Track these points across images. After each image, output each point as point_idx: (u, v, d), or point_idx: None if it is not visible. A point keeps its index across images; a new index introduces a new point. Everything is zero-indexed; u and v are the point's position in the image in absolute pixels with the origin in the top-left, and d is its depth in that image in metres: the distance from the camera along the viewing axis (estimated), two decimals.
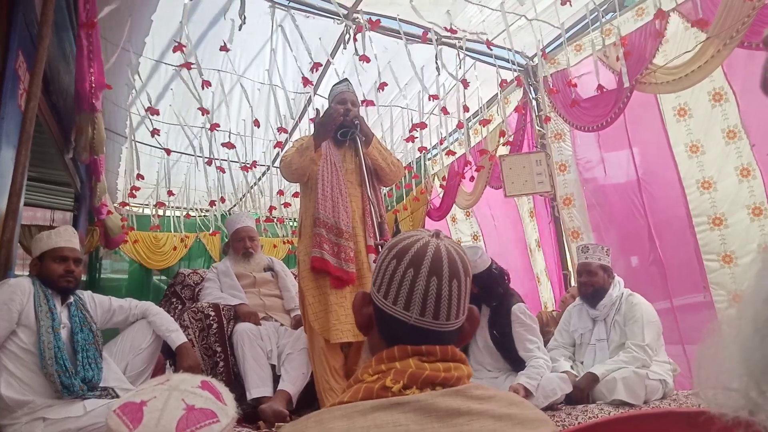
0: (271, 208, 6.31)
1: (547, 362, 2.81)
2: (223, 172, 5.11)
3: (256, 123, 4.36)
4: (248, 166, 5.11)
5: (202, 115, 3.94)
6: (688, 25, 3.47)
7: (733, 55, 3.21)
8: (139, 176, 4.39)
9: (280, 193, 5.77)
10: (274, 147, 5.11)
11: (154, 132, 4.05)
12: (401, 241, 0.90)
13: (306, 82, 3.83)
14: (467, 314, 0.91)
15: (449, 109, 4.48)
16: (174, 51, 3.46)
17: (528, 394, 2.59)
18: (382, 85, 4.07)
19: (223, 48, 3.45)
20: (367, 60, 3.70)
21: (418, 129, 4.60)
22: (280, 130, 4.36)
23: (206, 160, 4.68)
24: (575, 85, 4.22)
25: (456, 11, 3.96)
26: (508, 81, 4.70)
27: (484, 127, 5.05)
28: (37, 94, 2.32)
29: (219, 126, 4.21)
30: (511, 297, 2.97)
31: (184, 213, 7.00)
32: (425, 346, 0.85)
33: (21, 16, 2.41)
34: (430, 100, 4.38)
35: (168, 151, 4.77)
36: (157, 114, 3.98)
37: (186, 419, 0.91)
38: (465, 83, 4.22)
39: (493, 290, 2.94)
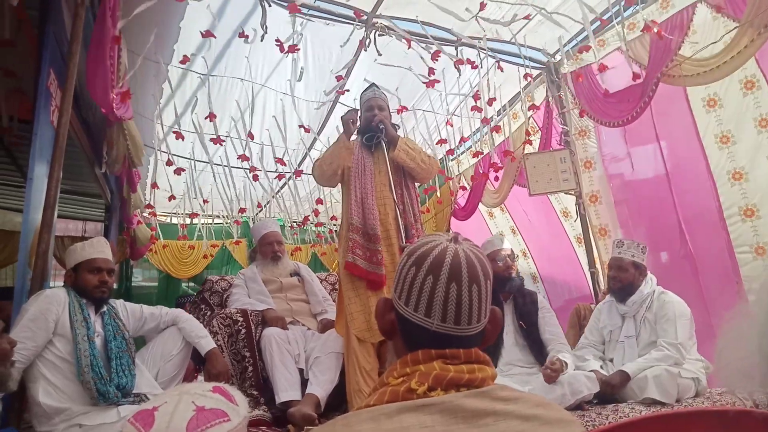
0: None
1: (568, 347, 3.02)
2: (256, 179, 5.17)
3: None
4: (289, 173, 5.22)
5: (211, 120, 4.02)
6: (717, 15, 3.39)
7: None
8: (154, 185, 4.55)
9: (319, 201, 5.96)
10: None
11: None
12: (419, 248, 0.90)
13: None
14: (489, 316, 0.91)
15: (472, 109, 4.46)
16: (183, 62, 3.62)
17: (563, 366, 2.70)
18: (402, 109, 4.14)
19: (242, 35, 3.48)
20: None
21: (440, 144, 4.82)
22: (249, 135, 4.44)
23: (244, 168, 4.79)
24: (606, 68, 4.11)
25: (474, 8, 3.92)
26: (533, 77, 4.64)
27: (497, 134, 4.96)
28: (69, 109, 2.39)
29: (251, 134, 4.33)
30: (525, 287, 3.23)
31: (209, 221, 7.10)
32: (449, 350, 0.85)
33: (51, 35, 2.48)
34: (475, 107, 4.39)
35: (178, 169, 4.74)
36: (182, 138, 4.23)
37: (196, 419, 0.92)
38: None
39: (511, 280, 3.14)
